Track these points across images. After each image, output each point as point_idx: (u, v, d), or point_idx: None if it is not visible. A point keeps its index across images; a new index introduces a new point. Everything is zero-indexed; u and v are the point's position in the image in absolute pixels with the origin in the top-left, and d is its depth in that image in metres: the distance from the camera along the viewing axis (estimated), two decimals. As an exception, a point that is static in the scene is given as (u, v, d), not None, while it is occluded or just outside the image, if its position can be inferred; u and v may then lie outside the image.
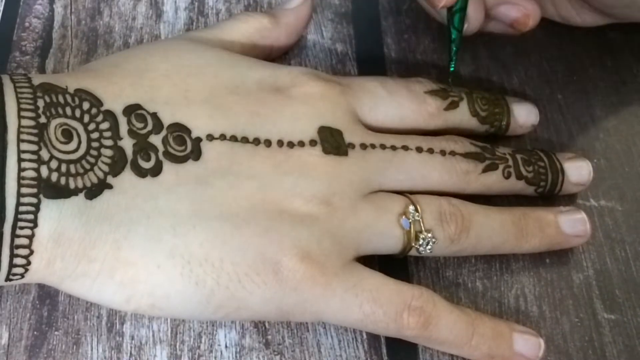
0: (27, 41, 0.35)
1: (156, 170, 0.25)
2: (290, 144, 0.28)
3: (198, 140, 0.26)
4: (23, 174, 0.23)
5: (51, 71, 0.34)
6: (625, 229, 0.32)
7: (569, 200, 0.32)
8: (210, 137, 0.27)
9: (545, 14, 0.35)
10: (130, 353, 0.28)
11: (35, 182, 0.23)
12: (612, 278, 0.31)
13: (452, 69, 0.32)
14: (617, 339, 0.29)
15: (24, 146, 0.23)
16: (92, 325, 0.28)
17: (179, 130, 0.26)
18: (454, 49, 0.32)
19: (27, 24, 0.35)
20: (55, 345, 0.27)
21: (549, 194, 0.32)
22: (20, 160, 0.23)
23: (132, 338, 0.28)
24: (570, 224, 0.30)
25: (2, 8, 0.36)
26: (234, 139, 0.27)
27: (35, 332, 0.28)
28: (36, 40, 0.35)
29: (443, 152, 0.30)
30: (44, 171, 0.23)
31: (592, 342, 0.29)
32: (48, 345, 0.27)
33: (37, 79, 0.25)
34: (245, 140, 0.27)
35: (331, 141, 0.28)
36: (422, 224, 0.28)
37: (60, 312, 0.28)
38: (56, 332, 0.28)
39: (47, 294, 0.28)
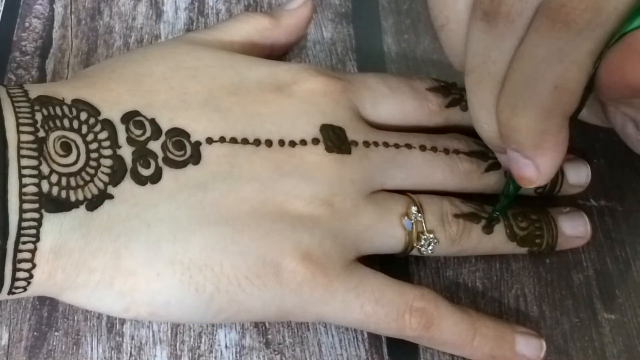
0: (27, 41, 0.34)
1: (156, 177, 0.25)
2: (292, 143, 0.27)
3: (197, 144, 0.26)
4: (24, 189, 0.23)
5: (51, 71, 0.34)
6: (625, 229, 0.32)
7: (569, 200, 0.32)
8: (210, 141, 0.26)
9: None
10: (130, 353, 0.27)
11: (37, 197, 0.23)
12: (612, 278, 0.31)
13: (491, 218, 0.29)
14: (617, 339, 0.29)
15: (24, 162, 0.23)
16: (92, 326, 0.28)
17: (178, 135, 0.26)
18: (496, 212, 0.29)
19: (27, 24, 0.35)
20: (55, 346, 0.27)
21: (549, 194, 0.32)
22: (21, 176, 0.23)
23: (132, 338, 0.28)
24: (571, 225, 0.30)
25: (2, 8, 0.35)
26: (234, 141, 0.27)
27: (35, 333, 0.28)
28: (36, 40, 0.35)
29: (446, 151, 0.30)
30: (45, 186, 0.23)
31: (592, 342, 0.29)
32: (48, 346, 0.27)
33: (34, 91, 0.25)
34: (245, 141, 0.27)
35: (334, 139, 0.28)
36: (424, 225, 0.28)
37: (60, 312, 0.28)
38: (56, 333, 0.28)
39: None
